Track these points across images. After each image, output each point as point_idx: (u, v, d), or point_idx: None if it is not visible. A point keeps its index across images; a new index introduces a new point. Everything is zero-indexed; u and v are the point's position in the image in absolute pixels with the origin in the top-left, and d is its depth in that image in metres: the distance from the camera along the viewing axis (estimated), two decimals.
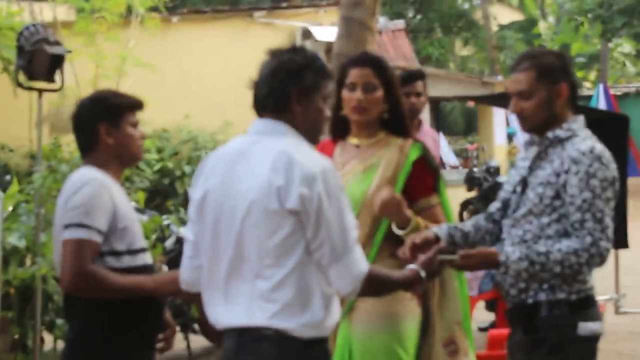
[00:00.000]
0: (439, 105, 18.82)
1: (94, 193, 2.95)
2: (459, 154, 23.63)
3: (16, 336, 5.26)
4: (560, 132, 3.02)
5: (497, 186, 12.71)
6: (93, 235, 2.91)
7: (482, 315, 7.37)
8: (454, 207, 9.49)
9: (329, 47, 11.56)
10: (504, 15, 30.97)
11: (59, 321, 5.21)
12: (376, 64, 3.46)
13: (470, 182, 14.46)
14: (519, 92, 3.04)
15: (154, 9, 10.56)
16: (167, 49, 12.47)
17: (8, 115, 9.59)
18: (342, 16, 6.39)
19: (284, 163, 2.48)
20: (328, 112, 2.71)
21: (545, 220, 2.96)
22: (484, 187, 14.17)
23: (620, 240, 6.91)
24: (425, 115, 15.00)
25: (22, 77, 5.40)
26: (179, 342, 4.63)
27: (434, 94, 14.64)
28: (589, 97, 11.48)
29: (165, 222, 5.76)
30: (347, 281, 2.50)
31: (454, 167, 20.27)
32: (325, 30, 14.13)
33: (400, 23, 18.44)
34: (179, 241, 6.09)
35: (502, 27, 29.39)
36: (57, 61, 5.24)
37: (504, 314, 3.21)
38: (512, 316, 3.11)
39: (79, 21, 9.99)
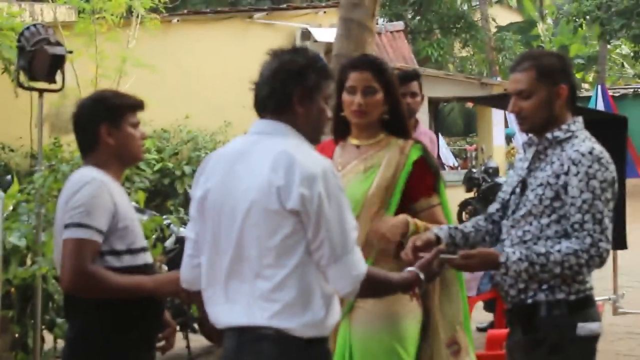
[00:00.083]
0: (438, 106, 18.78)
1: (95, 193, 2.95)
2: (457, 154, 23.68)
3: (16, 335, 5.26)
4: (559, 133, 3.03)
5: (496, 187, 12.74)
6: (93, 235, 2.91)
7: (480, 316, 7.38)
8: (453, 208, 9.48)
9: (328, 48, 11.55)
10: (503, 17, 31.00)
11: (59, 320, 5.20)
12: (375, 67, 3.47)
13: (469, 182, 14.49)
14: (518, 92, 3.05)
15: (154, 9, 10.55)
16: (167, 50, 12.46)
17: (9, 115, 9.57)
18: (342, 17, 6.38)
19: (284, 163, 2.47)
20: (330, 113, 2.71)
21: (544, 221, 2.96)
22: (482, 187, 14.20)
23: (619, 241, 6.90)
24: (424, 116, 15.00)
25: (22, 78, 5.40)
26: (178, 342, 4.63)
27: (432, 95, 14.74)
28: (588, 99, 11.51)
29: (166, 222, 5.76)
30: (346, 282, 2.49)
31: (453, 168, 20.31)
32: (325, 31, 14.13)
33: (399, 24, 18.47)
34: (179, 241, 6.10)
35: (500, 29, 29.40)
36: (57, 61, 5.23)
37: (503, 314, 3.22)
38: (511, 316, 3.11)
39: (79, 22, 9.99)
